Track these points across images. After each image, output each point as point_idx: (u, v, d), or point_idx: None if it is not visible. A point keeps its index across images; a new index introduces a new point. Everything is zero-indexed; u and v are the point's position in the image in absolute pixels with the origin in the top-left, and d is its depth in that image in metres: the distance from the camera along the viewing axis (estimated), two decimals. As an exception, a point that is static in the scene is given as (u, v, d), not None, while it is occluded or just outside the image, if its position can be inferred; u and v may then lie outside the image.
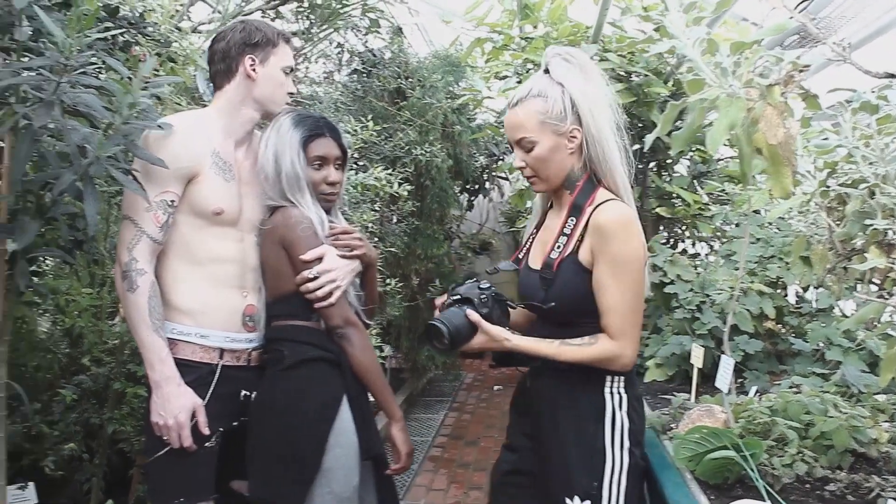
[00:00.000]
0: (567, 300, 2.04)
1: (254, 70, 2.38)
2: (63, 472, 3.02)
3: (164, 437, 2.21)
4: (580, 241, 2.03)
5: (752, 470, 2.05)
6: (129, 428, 3.08)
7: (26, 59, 2.08)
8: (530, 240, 2.27)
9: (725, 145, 3.73)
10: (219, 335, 2.32)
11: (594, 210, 2.02)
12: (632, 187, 2.08)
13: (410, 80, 5.44)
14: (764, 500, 1.98)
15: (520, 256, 2.26)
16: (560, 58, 2.08)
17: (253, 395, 2.35)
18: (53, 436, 2.98)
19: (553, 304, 2.06)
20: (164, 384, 2.20)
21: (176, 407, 2.20)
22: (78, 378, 3.08)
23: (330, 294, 2.30)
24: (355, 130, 4.14)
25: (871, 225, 2.13)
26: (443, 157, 5.54)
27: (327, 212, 2.43)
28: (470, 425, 6.34)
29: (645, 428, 2.14)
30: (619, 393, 2.05)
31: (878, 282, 2.42)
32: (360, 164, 4.45)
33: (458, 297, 2.13)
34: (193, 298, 2.31)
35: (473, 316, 2.07)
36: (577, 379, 2.06)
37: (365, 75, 5.39)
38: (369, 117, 4.55)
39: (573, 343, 2.02)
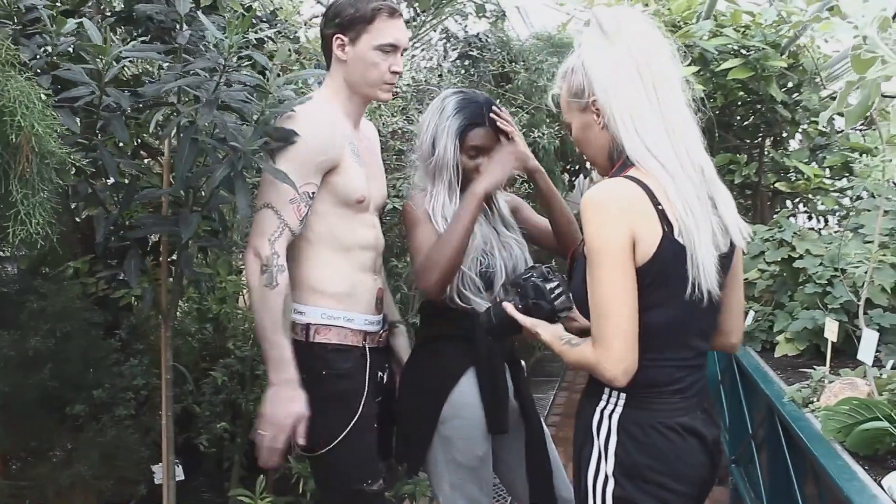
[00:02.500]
0: (575, 296, 1.82)
1: (343, 51, 2.23)
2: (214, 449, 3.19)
3: (262, 434, 2.14)
4: None
5: (907, 441, 2.04)
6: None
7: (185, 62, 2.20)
8: None
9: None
10: (361, 318, 2.30)
11: None
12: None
13: (514, 63, 5.45)
14: (921, 472, 1.97)
15: None
16: (588, 24, 1.76)
17: (385, 376, 2.43)
18: (204, 416, 3.13)
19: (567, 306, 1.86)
20: (283, 387, 2.13)
21: (290, 411, 2.14)
22: (225, 361, 3.21)
23: None
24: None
25: None
26: (549, 139, 5.56)
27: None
28: (581, 404, 6.31)
29: (665, 468, 1.72)
30: (609, 417, 1.75)
31: None
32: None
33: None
34: (342, 283, 2.26)
35: (508, 308, 1.89)
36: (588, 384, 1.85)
37: (470, 61, 5.44)
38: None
39: (573, 342, 1.76)
